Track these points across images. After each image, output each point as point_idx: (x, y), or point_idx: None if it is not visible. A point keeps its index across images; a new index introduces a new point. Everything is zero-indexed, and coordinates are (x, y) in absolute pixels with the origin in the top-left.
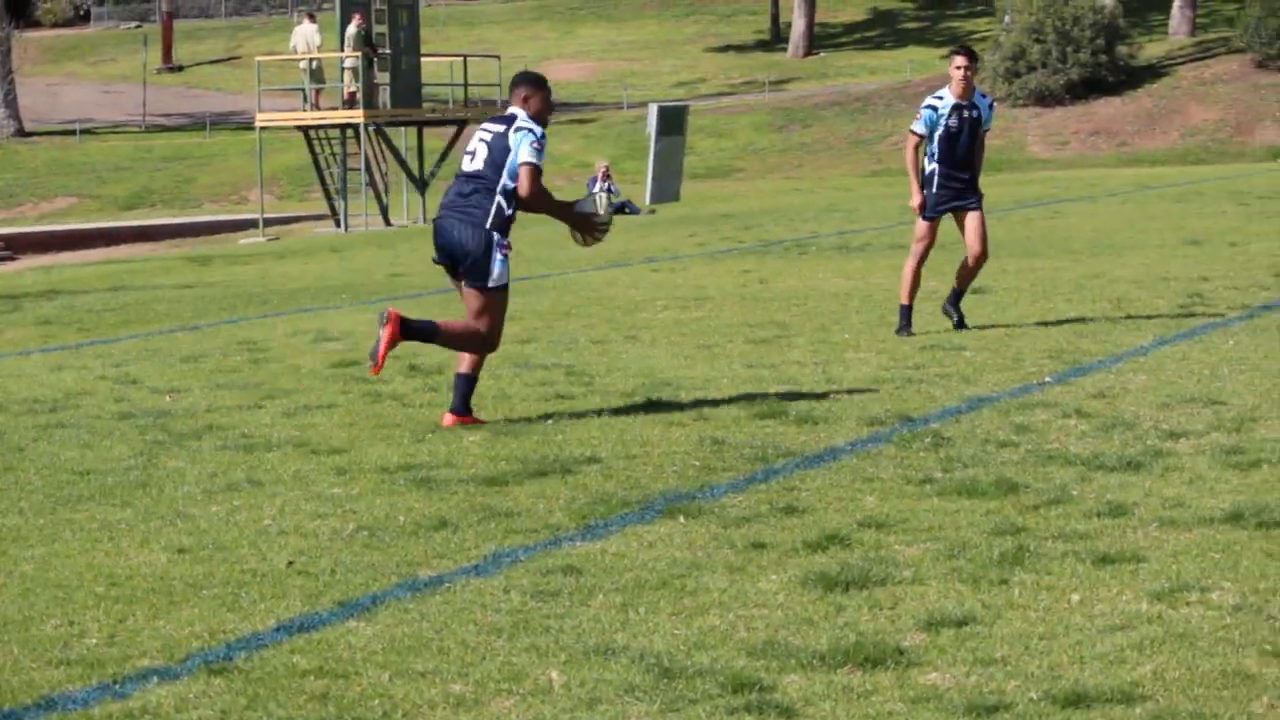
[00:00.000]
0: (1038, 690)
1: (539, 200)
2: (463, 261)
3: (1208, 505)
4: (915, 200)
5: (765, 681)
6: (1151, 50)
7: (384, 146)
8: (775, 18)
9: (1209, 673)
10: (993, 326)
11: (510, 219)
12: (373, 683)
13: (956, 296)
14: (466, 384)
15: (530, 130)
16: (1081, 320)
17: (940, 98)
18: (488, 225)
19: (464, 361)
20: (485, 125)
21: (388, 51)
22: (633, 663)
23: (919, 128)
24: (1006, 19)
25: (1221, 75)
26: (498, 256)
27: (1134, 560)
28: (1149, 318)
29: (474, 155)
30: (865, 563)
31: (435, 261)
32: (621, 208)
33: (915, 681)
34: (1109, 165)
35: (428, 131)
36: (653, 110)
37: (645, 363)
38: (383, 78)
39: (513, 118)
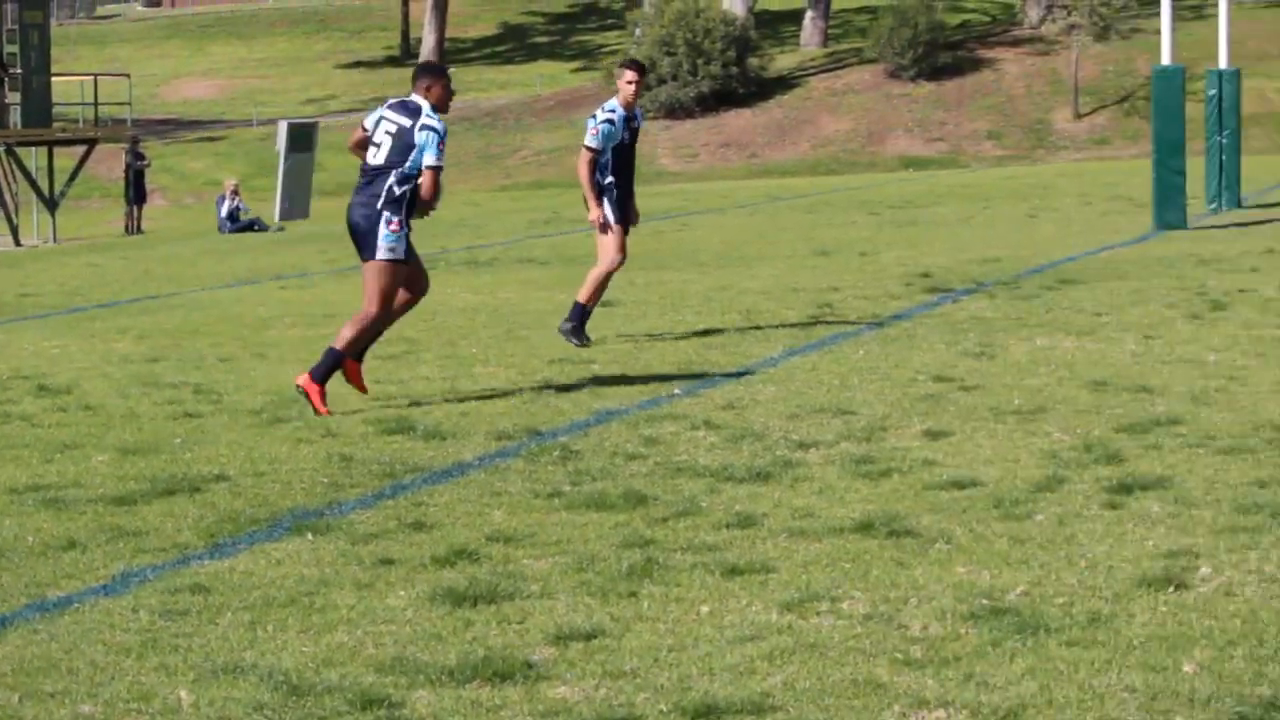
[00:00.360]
0: (667, 702)
1: (436, 199)
2: (357, 240)
3: (837, 515)
4: (595, 214)
5: (394, 698)
6: (783, 62)
7: (14, 166)
8: (406, 34)
9: (840, 682)
10: (626, 339)
11: (400, 199)
12: (1, 705)
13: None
14: (334, 357)
15: (434, 129)
16: (710, 332)
17: (613, 111)
18: (379, 205)
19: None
20: (388, 115)
21: (19, 71)
22: (261, 681)
23: (596, 143)
24: (637, 32)
25: (853, 86)
26: (386, 231)
27: (763, 571)
28: (778, 328)
29: (379, 148)
30: (494, 577)
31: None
32: (250, 225)
33: (544, 695)
34: (739, 177)
35: (58, 151)
36: (282, 127)
37: (273, 380)
38: (13, 97)
39: (417, 109)
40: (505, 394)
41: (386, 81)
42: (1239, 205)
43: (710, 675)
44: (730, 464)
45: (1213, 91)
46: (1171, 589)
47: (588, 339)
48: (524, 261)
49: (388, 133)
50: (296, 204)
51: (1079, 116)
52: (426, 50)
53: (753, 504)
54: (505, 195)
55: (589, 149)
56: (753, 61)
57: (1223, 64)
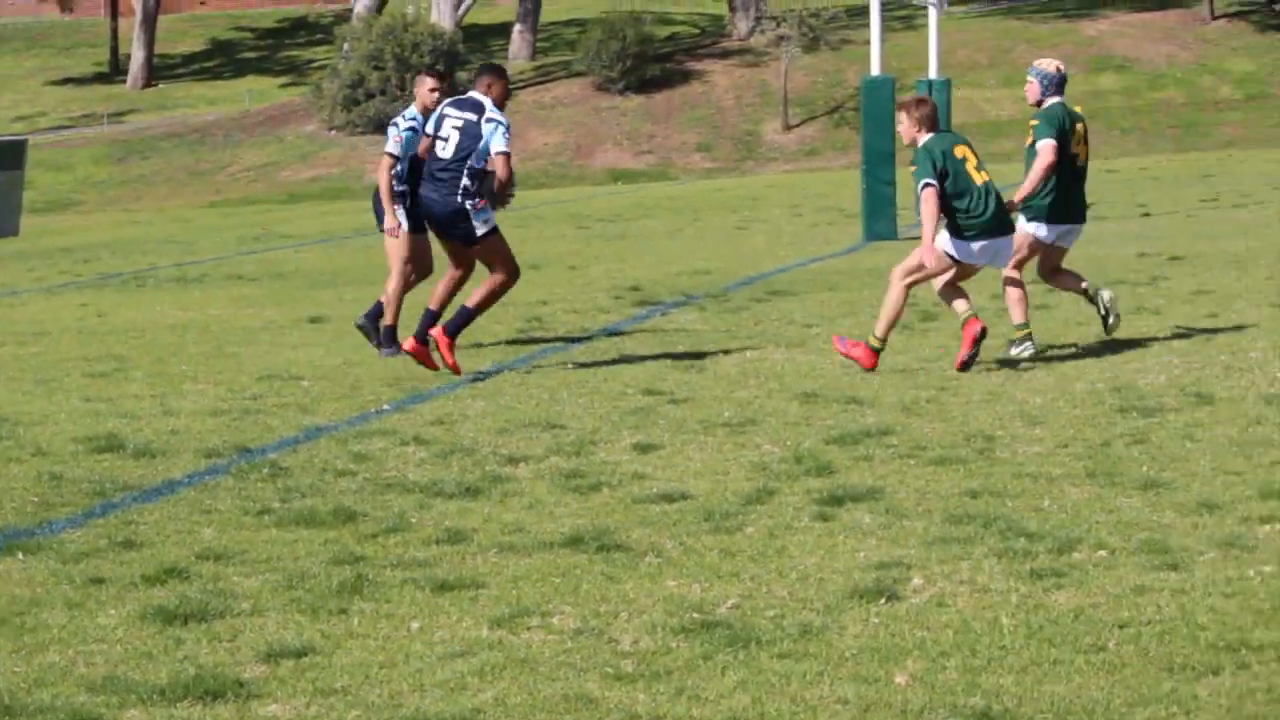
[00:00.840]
0: (379, 719)
1: (512, 183)
2: (450, 233)
3: (547, 529)
4: (391, 222)
5: (106, 717)
6: None
7: None
8: (115, 50)
9: (551, 697)
10: (337, 354)
11: (474, 185)
12: None
13: (378, 315)
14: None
15: (499, 121)
16: None
17: (414, 119)
18: (458, 199)
19: (435, 298)
20: (452, 112)
21: None
22: None
23: (396, 149)
24: (345, 47)
25: (562, 99)
26: (474, 213)
27: (474, 586)
28: (487, 344)
29: (447, 142)
30: (204, 595)
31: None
32: None
33: (256, 713)
34: None
35: None
36: None
37: None
38: None
39: (480, 105)
40: (214, 411)
41: (95, 98)
42: None
43: (421, 692)
44: (440, 479)
45: None
46: (883, 600)
47: (396, 349)
48: (233, 278)
49: (455, 127)
50: (6, 221)
51: (789, 128)
52: (135, 66)
53: (462, 519)
54: (215, 211)
55: (389, 155)
56: (461, 75)
57: (933, 74)
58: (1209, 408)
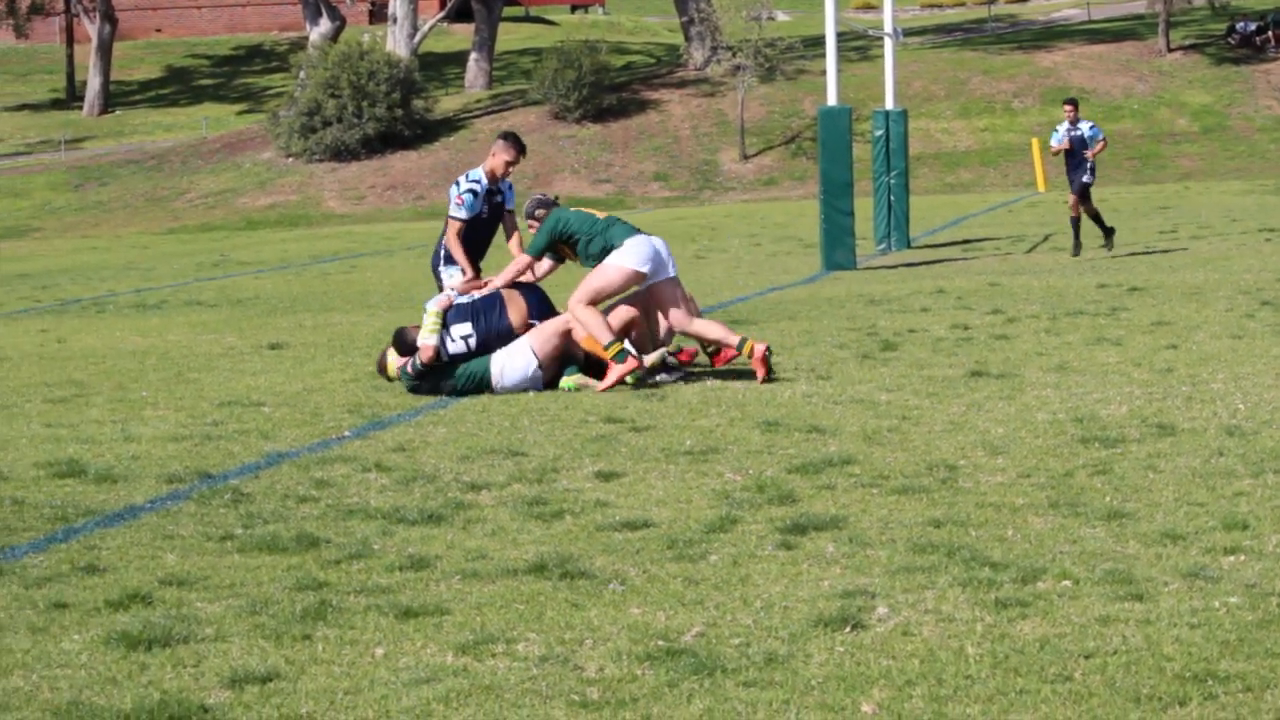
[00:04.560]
0: None
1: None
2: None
3: (511, 556)
4: (469, 281)
5: None
6: (448, 104)
7: None
8: (71, 76)
9: None
10: (295, 380)
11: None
12: None
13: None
14: None
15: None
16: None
17: (477, 180)
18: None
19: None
20: None
21: None
22: None
23: (462, 213)
24: (301, 74)
25: (518, 127)
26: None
27: (438, 613)
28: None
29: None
30: (168, 620)
31: None
32: None
33: None
34: (406, 219)
35: None
36: None
37: None
38: None
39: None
40: (175, 437)
41: (52, 124)
42: (908, 245)
43: (386, 718)
44: (402, 506)
45: (879, 132)
46: (848, 629)
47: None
48: (193, 304)
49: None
50: None
51: (746, 158)
52: (92, 93)
53: (425, 546)
54: (173, 238)
55: (456, 220)
56: (417, 103)
57: (889, 104)
58: (1171, 438)
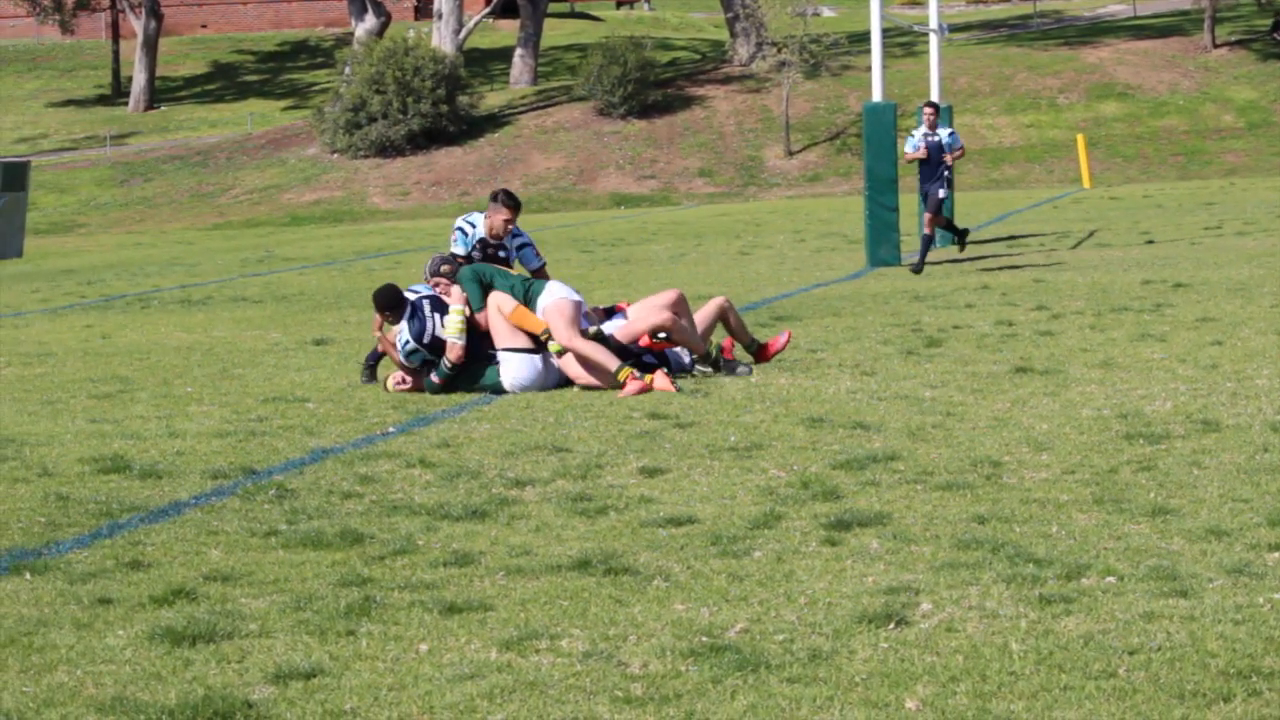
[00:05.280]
0: None
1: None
2: None
3: (555, 552)
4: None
5: None
6: (493, 100)
7: None
8: (116, 72)
9: None
10: (342, 376)
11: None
12: None
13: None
14: None
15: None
16: None
17: (473, 224)
18: None
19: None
20: None
21: None
22: None
23: (457, 248)
24: (346, 70)
25: (564, 123)
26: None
27: (482, 609)
28: None
29: None
30: (212, 616)
31: None
32: None
33: None
34: (450, 215)
35: None
36: None
37: None
38: None
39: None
40: (220, 433)
41: (97, 120)
42: (952, 242)
43: (431, 714)
44: (446, 502)
45: None
46: (892, 625)
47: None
48: (237, 300)
49: None
50: (9, 243)
51: (791, 154)
52: (137, 89)
53: (470, 542)
54: (218, 234)
55: (457, 258)
56: (462, 99)
57: (935, 100)
58: (1215, 434)
